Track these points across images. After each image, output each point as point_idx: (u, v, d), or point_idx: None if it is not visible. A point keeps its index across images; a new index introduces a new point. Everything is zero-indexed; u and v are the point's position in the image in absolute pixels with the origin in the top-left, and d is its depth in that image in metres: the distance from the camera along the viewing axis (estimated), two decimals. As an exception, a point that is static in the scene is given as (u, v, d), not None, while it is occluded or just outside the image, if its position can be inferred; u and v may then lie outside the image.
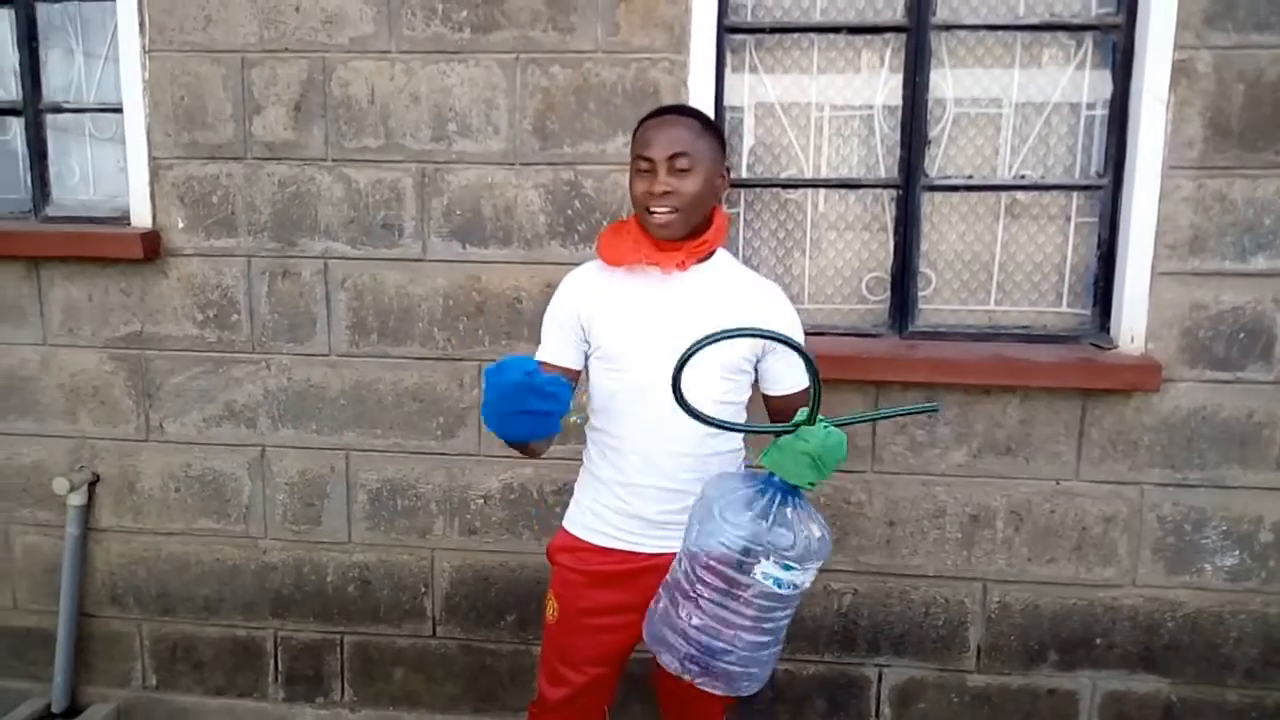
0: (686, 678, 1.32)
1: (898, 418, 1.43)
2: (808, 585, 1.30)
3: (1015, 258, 2.35)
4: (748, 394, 1.64)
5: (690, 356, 1.23)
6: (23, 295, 2.48)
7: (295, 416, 2.45)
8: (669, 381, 1.29)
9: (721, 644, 1.29)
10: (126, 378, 2.48)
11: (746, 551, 1.25)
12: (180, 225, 2.40)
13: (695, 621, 1.29)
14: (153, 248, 2.38)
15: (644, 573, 1.58)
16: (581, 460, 1.75)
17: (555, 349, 1.65)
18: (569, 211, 2.29)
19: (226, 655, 2.59)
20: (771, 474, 1.30)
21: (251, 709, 2.59)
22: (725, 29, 2.27)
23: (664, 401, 1.55)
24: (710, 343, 1.22)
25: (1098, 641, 2.33)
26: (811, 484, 1.27)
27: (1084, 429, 2.25)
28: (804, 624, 2.39)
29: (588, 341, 1.64)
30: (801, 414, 1.29)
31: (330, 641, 2.54)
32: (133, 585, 2.58)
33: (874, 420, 1.36)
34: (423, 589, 2.49)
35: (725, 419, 1.55)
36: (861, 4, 2.29)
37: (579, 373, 1.66)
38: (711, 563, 1.27)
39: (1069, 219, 2.32)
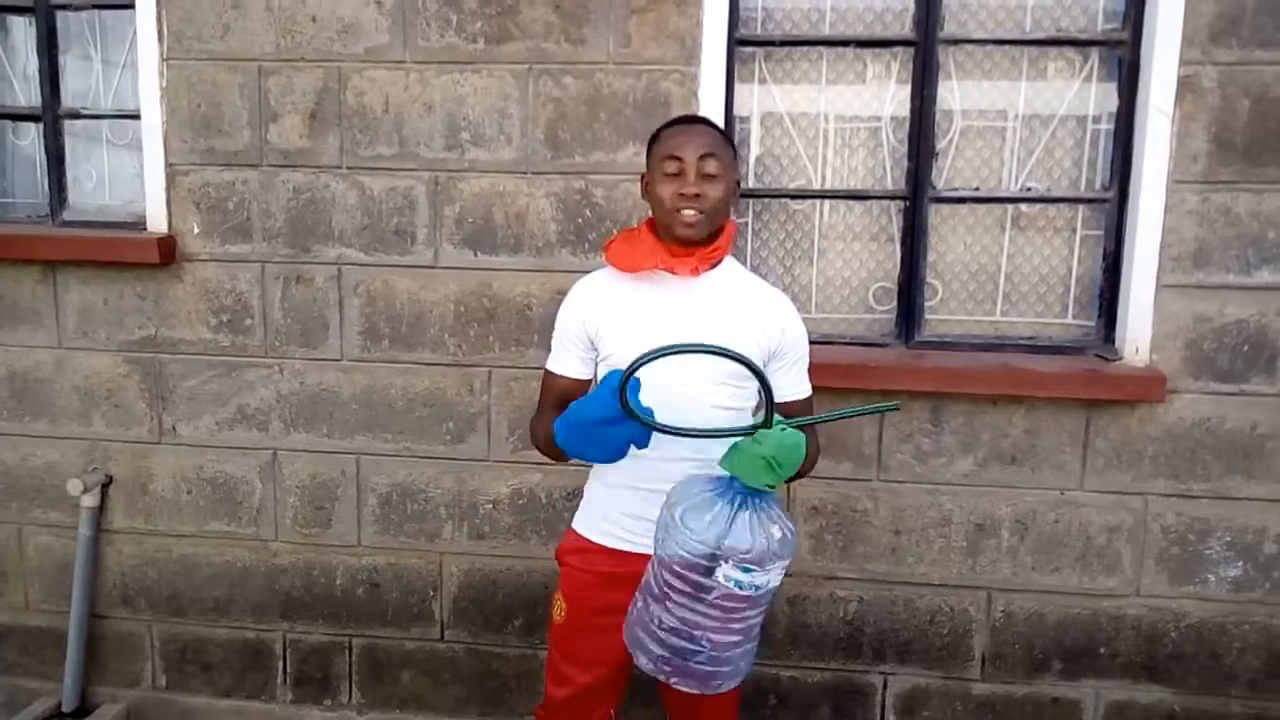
0: (661, 678, 1.35)
1: (857, 417, 1.46)
2: (775, 584, 1.32)
3: (1021, 269, 2.37)
4: (753, 400, 1.66)
5: (640, 365, 1.29)
6: (39, 298, 2.52)
7: (307, 420, 2.47)
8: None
9: (691, 645, 1.31)
10: (140, 381, 2.51)
11: (706, 556, 1.27)
12: (196, 231, 2.43)
13: (667, 623, 1.32)
14: (168, 253, 2.42)
15: None
16: (590, 465, 1.77)
17: (563, 361, 1.68)
18: (579, 220, 2.32)
19: (236, 657, 2.61)
20: (733, 477, 1.31)
21: (260, 710, 2.61)
22: (735, 41, 2.30)
23: (671, 406, 1.57)
24: (664, 355, 1.28)
25: (1102, 651, 2.34)
26: (770, 485, 1.29)
27: (1089, 439, 2.26)
28: (809, 631, 2.40)
29: (596, 350, 1.66)
30: (758, 417, 1.31)
31: (339, 644, 2.56)
32: (144, 586, 2.60)
33: (831, 420, 1.37)
34: (431, 593, 2.51)
35: (724, 424, 1.57)
36: (870, 18, 2.32)
37: (589, 382, 1.69)
38: (676, 568, 1.29)
39: (1074, 231, 2.34)
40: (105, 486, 2.56)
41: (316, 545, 2.53)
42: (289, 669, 2.60)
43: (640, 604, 1.38)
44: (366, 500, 2.49)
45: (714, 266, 1.61)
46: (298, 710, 2.61)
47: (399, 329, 2.41)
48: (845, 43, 2.32)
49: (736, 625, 1.32)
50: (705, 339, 1.57)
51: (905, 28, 2.30)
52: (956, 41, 2.28)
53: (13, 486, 2.61)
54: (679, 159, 1.53)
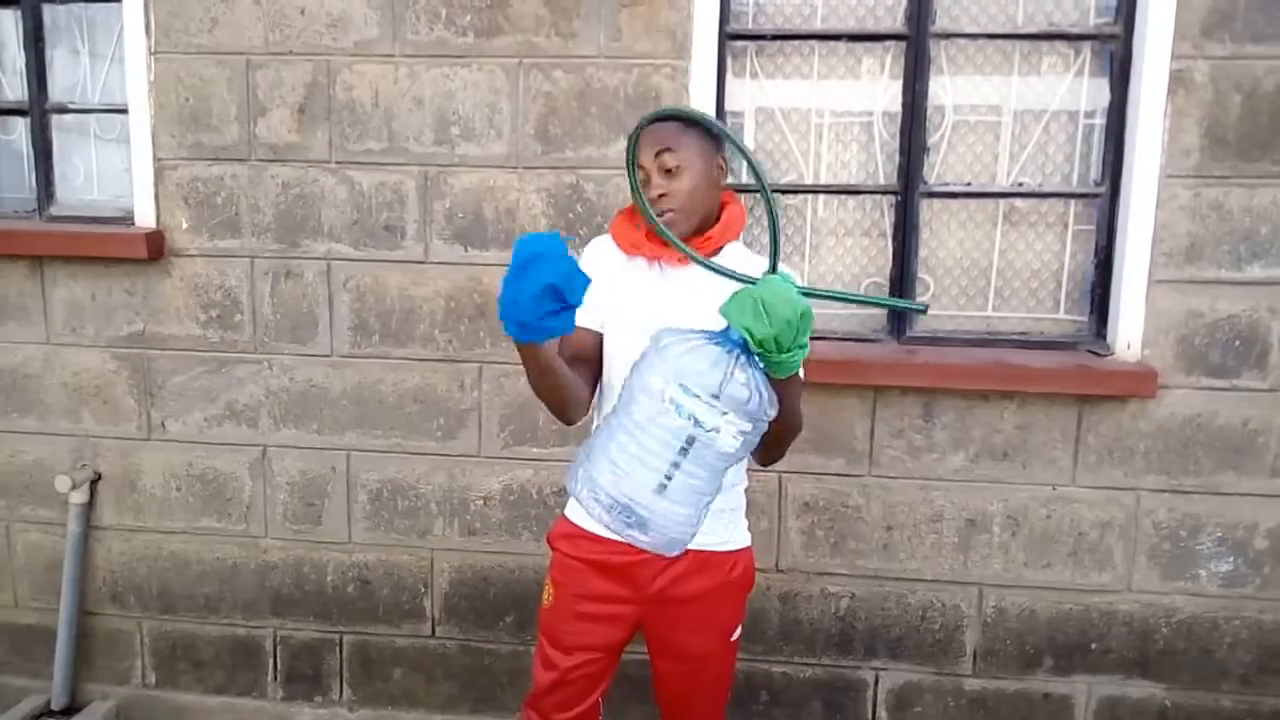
0: (592, 515, 1.29)
1: (880, 307, 1.41)
2: (723, 447, 1.24)
3: (1013, 264, 2.36)
4: None
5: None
6: (26, 294, 2.50)
7: (297, 417, 2.46)
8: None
9: (629, 479, 1.25)
10: (129, 377, 2.50)
11: (664, 375, 1.23)
12: (184, 226, 2.42)
13: (612, 453, 1.26)
14: (156, 248, 2.40)
15: (639, 565, 1.60)
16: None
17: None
18: (570, 215, 2.31)
19: (226, 654, 2.60)
20: (727, 329, 1.27)
21: (250, 707, 2.60)
22: (727, 35, 2.29)
23: None
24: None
25: (1093, 647, 2.34)
26: (750, 332, 1.22)
27: (1080, 435, 2.26)
28: (801, 627, 2.40)
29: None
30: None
31: (329, 641, 2.56)
32: (133, 583, 2.59)
33: (852, 301, 1.28)
34: (422, 589, 2.50)
35: None
36: (862, 12, 2.31)
37: (601, 335, 1.65)
38: (638, 392, 1.26)
39: (1066, 226, 2.33)
40: (94, 483, 2.54)
41: (307, 542, 2.52)
42: (280, 666, 2.59)
43: (600, 435, 1.33)
44: (357, 496, 2.48)
45: (709, 255, 1.60)
46: (288, 707, 2.60)
47: (389, 325, 2.40)
48: (837, 37, 2.31)
49: (670, 469, 1.25)
50: (693, 325, 1.55)
51: (897, 22, 2.29)
52: (948, 36, 2.28)
53: (1, 483, 2.59)
54: (641, 165, 1.54)
